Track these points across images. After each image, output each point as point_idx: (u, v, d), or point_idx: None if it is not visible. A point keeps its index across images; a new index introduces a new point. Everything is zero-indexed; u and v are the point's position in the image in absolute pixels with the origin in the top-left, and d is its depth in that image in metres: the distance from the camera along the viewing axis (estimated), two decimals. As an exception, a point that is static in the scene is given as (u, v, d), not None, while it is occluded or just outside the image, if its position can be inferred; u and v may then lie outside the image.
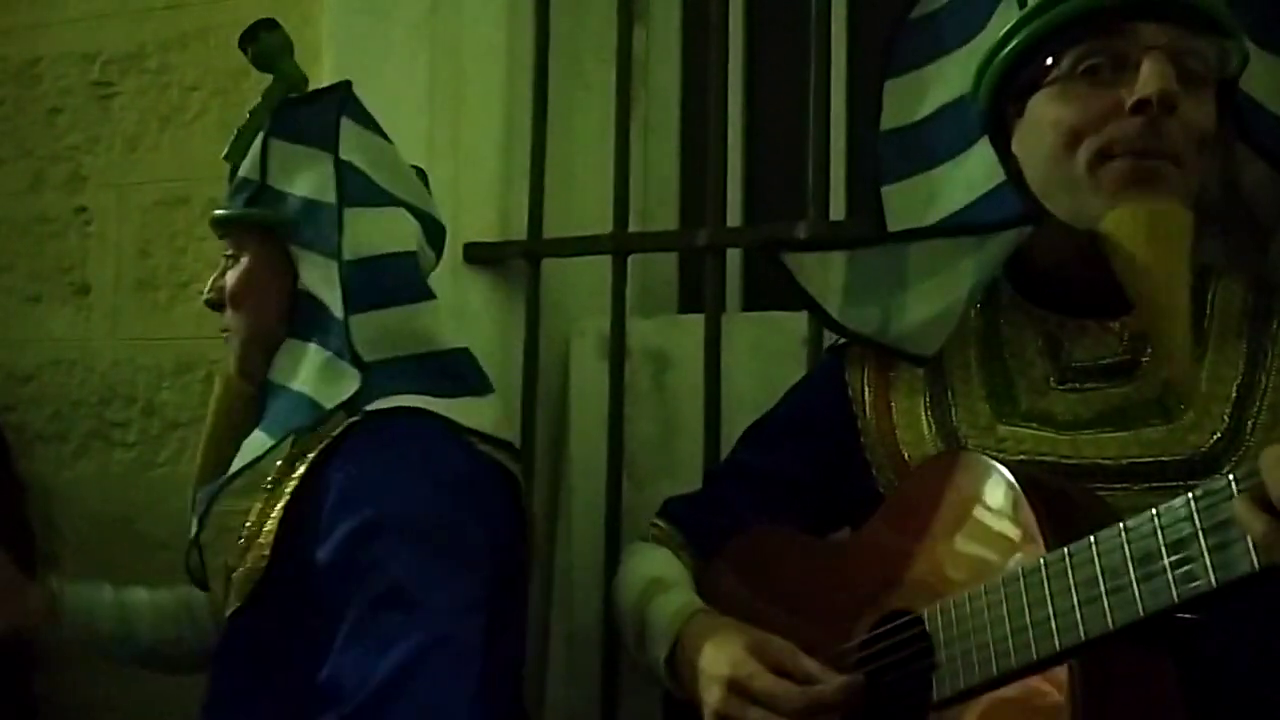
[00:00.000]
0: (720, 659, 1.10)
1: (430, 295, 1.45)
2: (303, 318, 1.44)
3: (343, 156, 1.44)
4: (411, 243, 1.46)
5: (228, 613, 1.40)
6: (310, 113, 1.48)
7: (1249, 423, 1.08)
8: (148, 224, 2.20)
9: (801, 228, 1.66)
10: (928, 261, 1.20)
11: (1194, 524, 0.83)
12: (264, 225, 1.47)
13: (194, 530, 1.46)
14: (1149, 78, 1.05)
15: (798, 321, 1.65)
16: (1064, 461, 1.10)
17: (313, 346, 1.42)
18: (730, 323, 1.75)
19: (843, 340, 1.32)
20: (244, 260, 1.49)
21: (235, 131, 1.54)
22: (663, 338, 1.85)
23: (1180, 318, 1.07)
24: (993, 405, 1.18)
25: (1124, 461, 1.09)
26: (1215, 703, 0.97)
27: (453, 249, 1.87)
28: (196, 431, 2.09)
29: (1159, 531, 0.85)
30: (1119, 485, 1.08)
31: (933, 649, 1.02)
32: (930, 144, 1.25)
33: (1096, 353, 1.16)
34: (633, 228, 1.84)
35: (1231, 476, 0.82)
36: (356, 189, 1.43)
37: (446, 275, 1.85)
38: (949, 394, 1.21)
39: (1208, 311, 1.15)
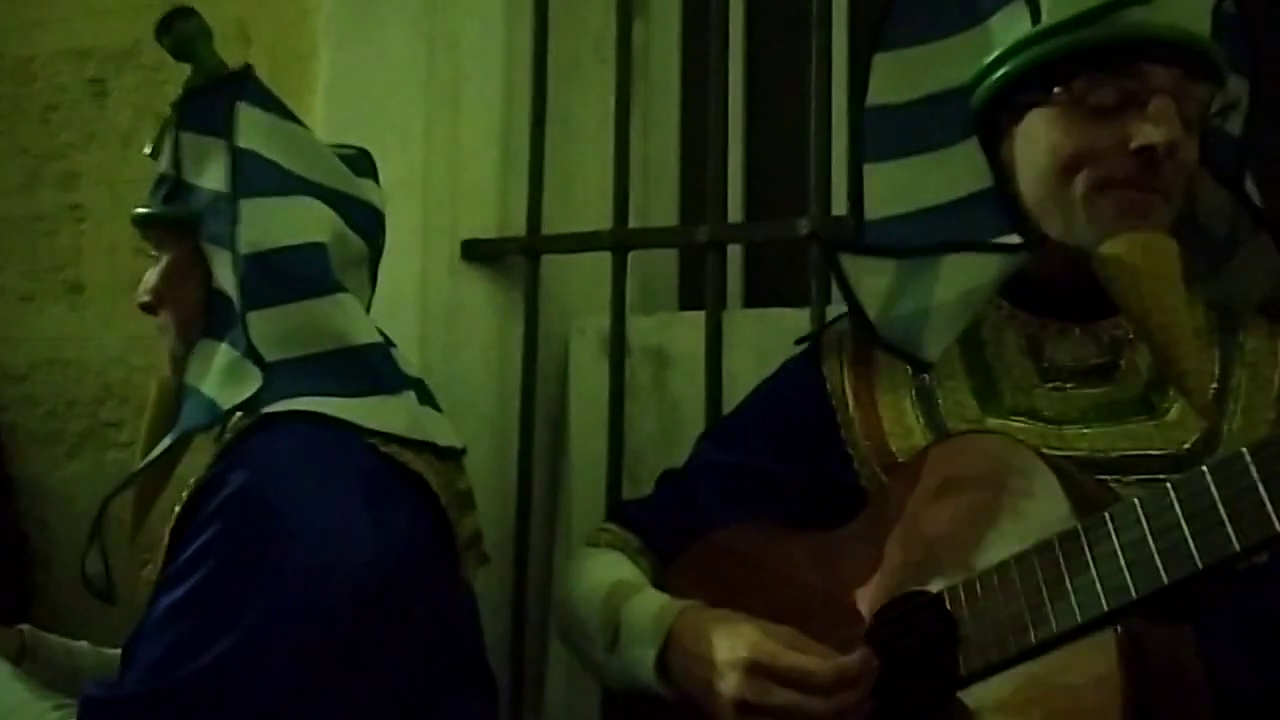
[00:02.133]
0: (737, 644, 1.08)
1: (341, 288, 1.38)
2: (216, 317, 1.38)
3: (241, 144, 1.37)
4: (319, 233, 1.38)
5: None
6: (211, 101, 1.41)
7: (1225, 423, 1.13)
8: (142, 222, 2.18)
9: (803, 224, 1.65)
10: (958, 269, 1.21)
11: (1253, 476, 0.86)
12: (178, 222, 1.42)
13: (90, 534, 1.41)
14: (1159, 124, 1.09)
15: (799, 318, 1.64)
16: (1057, 453, 1.11)
17: (223, 346, 1.37)
18: (731, 319, 1.74)
19: (812, 333, 1.35)
20: (163, 260, 1.44)
21: (159, 129, 1.49)
22: (663, 335, 1.84)
23: (1186, 338, 1.10)
24: (979, 400, 1.21)
25: (1113, 454, 1.13)
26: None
27: (451, 245, 1.86)
28: (192, 431, 2.08)
29: (1212, 487, 0.87)
30: (1110, 477, 1.10)
31: (955, 626, 1.02)
32: (916, 130, 1.25)
33: (1077, 355, 1.19)
34: (632, 224, 1.82)
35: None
36: (256, 178, 1.37)
37: (444, 272, 1.84)
38: (934, 389, 1.23)
39: None
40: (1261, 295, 1.23)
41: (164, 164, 1.45)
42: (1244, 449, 0.87)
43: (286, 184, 1.39)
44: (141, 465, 1.38)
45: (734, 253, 1.92)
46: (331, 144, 1.52)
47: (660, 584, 1.27)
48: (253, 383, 1.31)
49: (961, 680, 1.01)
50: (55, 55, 2.29)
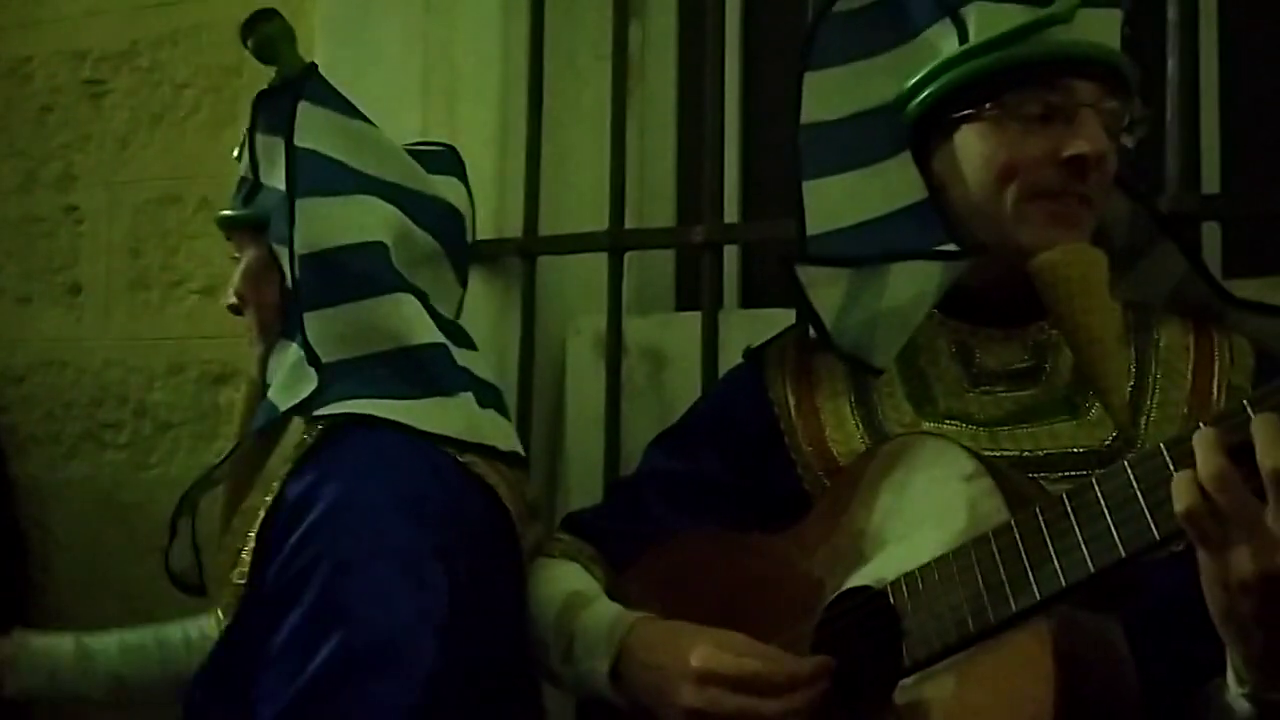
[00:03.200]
0: (689, 655, 1.11)
1: (401, 287, 1.36)
2: (291, 318, 1.40)
3: (301, 144, 1.36)
4: (379, 232, 1.37)
5: (220, 625, 1.36)
6: (280, 102, 1.41)
7: (1142, 419, 1.19)
8: (139, 223, 2.19)
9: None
10: (906, 278, 1.25)
11: (1169, 468, 0.90)
12: (253, 223, 1.44)
13: (171, 530, 1.43)
14: (1089, 136, 1.16)
15: (795, 319, 1.64)
16: (988, 453, 1.15)
17: (294, 346, 1.38)
18: (727, 320, 1.74)
19: (756, 346, 1.40)
20: (246, 264, 1.46)
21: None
22: (659, 335, 1.84)
23: (1113, 353, 1.17)
24: (914, 405, 1.26)
25: (1040, 453, 1.19)
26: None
27: (447, 247, 1.86)
28: (189, 432, 2.08)
29: (1133, 480, 0.92)
30: (1038, 475, 1.15)
31: (897, 619, 1.06)
32: (850, 145, 1.29)
33: (1005, 359, 1.25)
34: (629, 225, 1.83)
35: (1201, 424, 0.89)
36: (314, 177, 1.35)
37: (441, 273, 1.84)
38: (872, 395, 1.28)
39: None
40: (1163, 297, 1.28)
41: (243, 166, 1.47)
42: (1161, 444, 0.92)
43: (346, 183, 1.38)
44: (218, 463, 1.40)
45: (730, 253, 1.92)
46: (420, 141, 1.54)
47: (613, 592, 1.30)
48: (308, 384, 1.31)
49: (905, 670, 1.04)
50: (52, 56, 2.29)
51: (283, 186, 1.37)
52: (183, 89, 2.17)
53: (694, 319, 1.73)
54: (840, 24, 1.31)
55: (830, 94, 1.30)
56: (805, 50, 1.32)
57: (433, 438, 1.32)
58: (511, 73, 1.91)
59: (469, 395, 1.39)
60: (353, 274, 1.34)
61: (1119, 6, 1.23)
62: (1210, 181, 1.67)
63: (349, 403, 1.30)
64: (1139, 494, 0.92)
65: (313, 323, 1.33)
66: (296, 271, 1.34)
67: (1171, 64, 1.49)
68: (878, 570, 1.10)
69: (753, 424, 1.33)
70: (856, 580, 1.12)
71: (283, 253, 1.38)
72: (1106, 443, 1.18)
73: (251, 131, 1.45)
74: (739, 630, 1.14)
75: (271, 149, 1.42)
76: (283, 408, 1.33)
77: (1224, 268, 1.65)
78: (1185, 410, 1.19)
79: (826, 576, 1.15)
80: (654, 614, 1.22)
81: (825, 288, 1.27)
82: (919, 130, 1.25)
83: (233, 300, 1.49)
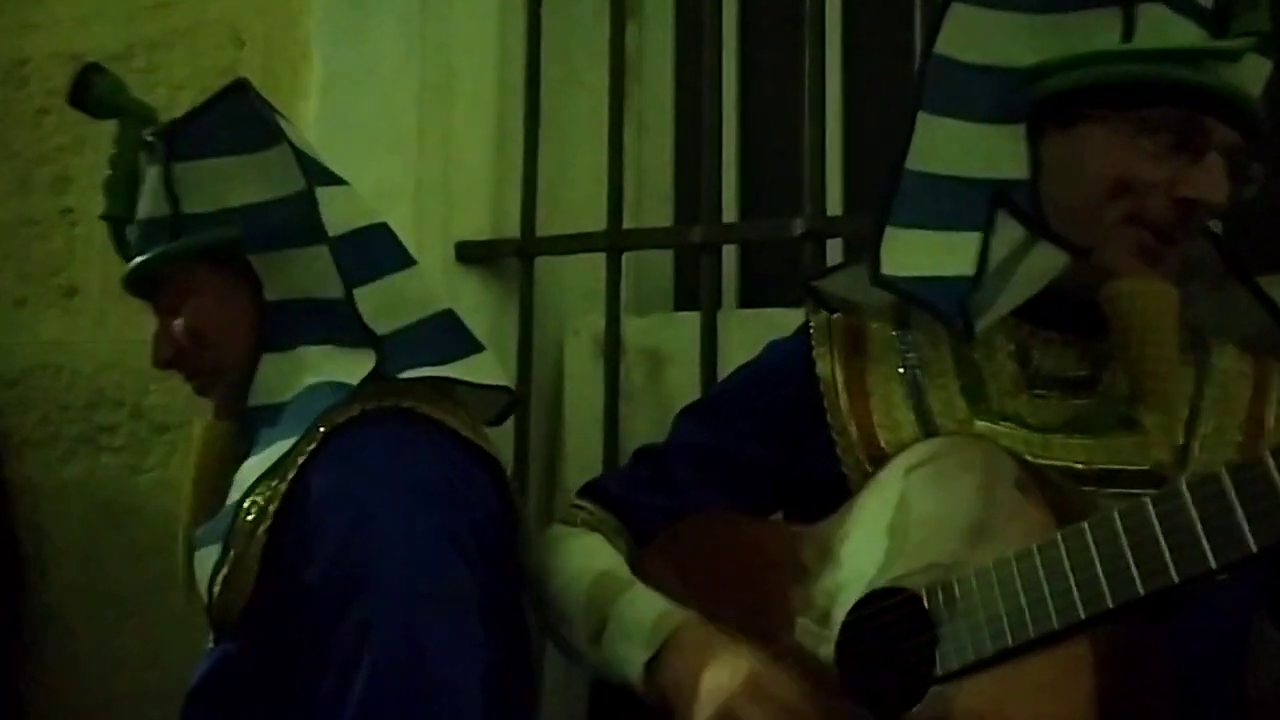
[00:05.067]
0: (719, 688, 1.08)
1: (414, 260, 1.43)
2: (279, 327, 1.38)
3: (297, 142, 1.39)
4: (377, 214, 1.43)
5: (209, 645, 1.34)
6: (221, 120, 1.40)
7: (1195, 443, 1.16)
8: (135, 225, 2.18)
9: (798, 224, 1.65)
10: (1006, 250, 1.18)
11: (1230, 496, 0.88)
12: (211, 251, 1.39)
13: (219, 569, 1.33)
14: (1212, 183, 1.13)
15: (794, 318, 1.63)
16: (1039, 460, 1.12)
17: (301, 350, 1.37)
18: (726, 320, 1.73)
19: (809, 324, 1.33)
20: (194, 299, 1.41)
21: (104, 187, 1.46)
22: (658, 336, 1.83)
23: (1172, 393, 1.14)
24: (968, 400, 1.22)
25: (1095, 467, 1.15)
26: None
27: (445, 248, 1.86)
28: (185, 435, 2.07)
29: (1190, 505, 0.89)
30: (1089, 489, 1.12)
31: (932, 625, 1.03)
32: (972, 94, 1.21)
33: (1062, 365, 1.21)
34: (627, 225, 1.82)
35: (1269, 451, 0.87)
36: (314, 170, 1.38)
37: (439, 274, 1.83)
38: (924, 385, 1.23)
39: None
40: (1236, 336, 1.25)
41: (148, 209, 1.42)
42: (1223, 468, 0.89)
43: (331, 175, 1.42)
44: (268, 466, 1.31)
45: (729, 253, 1.91)
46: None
47: (638, 569, 1.27)
48: (368, 358, 1.32)
49: (937, 678, 1.02)
50: (48, 59, 2.29)
51: (236, 202, 1.38)
52: (178, 91, 2.16)
53: (693, 319, 1.73)
54: None
55: (968, 33, 1.21)
56: None
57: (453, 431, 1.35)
58: (509, 73, 1.90)
59: (487, 351, 1.47)
60: (380, 250, 1.39)
61: (1270, 58, 1.18)
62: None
63: (421, 369, 1.34)
64: (1197, 519, 0.89)
65: (361, 298, 1.34)
66: (334, 254, 1.34)
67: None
68: (912, 572, 1.07)
69: (794, 400, 1.27)
70: (886, 580, 1.09)
71: (271, 260, 1.37)
72: (1162, 462, 1.14)
73: (165, 164, 1.40)
74: (758, 620, 1.13)
75: (207, 173, 1.39)
76: (354, 381, 1.31)
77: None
78: (1240, 438, 1.16)
79: (853, 573, 1.12)
80: (679, 595, 1.20)
81: (903, 251, 1.20)
82: (1041, 107, 1.18)
83: (167, 354, 1.43)
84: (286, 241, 1.37)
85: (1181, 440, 1.15)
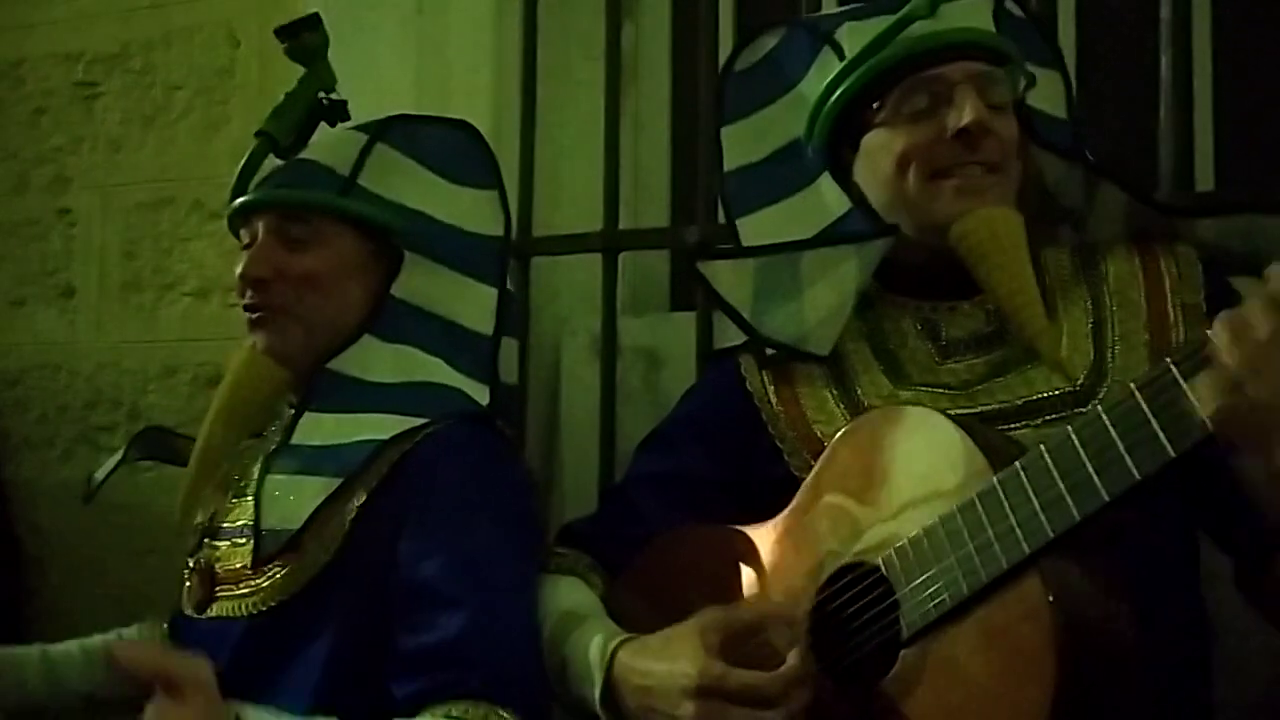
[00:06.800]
0: (681, 669, 1.12)
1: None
2: (391, 319, 1.43)
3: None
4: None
5: (254, 608, 1.35)
6: (438, 139, 1.51)
7: (1107, 353, 1.24)
8: (132, 225, 2.18)
9: (793, 223, 1.65)
10: (819, 267, 1.34)
11: (1143, 410, 0.94)
12: (380, 226, 1.44)
13: (254, 515, 1.36)
14: (965, 109, 1.24)
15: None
16: (966, 413, 1.19)
17: (410, 349, 1.43)
18: (722, 320, 1.72)
19: (732, 345, 1.45)
20: (328, 251, 1.42)
21: (275, 111, 1.47)
22: (654, 336, 1.84)
23: (1033, 301, 1.22)
24: (890, 379, 1.31)
25: (1018, 402, 1.23)
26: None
27: (441, 248, 1.86)
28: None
29: (1109, 425, 0.95)
30: (1019, 424, 1.21)
31: (892, 591, 1.08)
32: (775, 180, 1.39)
33: (969, 327, 1.30)
34: (623, 225, 1.82)
35: (1170, 361, 0.94)
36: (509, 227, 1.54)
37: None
38: (850, 376, 1.33)
39: (1046, 278, 1.30)
40: (1125, 235, 1.33)
41: (325, 156, 1.46)
42: (1132, 385, 0.95)
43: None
44: (368, 450, 1.36)
45: (725, 253, 1.91)
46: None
47: (611, 597, 1.33)
48: (483, 392, 1.44)
49: (904, 641, 1.06)
50: (44, 59, 2.29)
51: (411, 203, 1.46)
52: (175, 90, 2.17)
53: (689, 319, 1.73)
54: (743, 80, 1.42)
55: (746, 141, 1.41)
56: (716, 109, 1.44)
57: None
58: (504, 73, 1.91)
59: None
60: (510, 316, 1.51)
61: None
62: (1204, 179, 1.67)
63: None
64: (1116, 439, 0.95)
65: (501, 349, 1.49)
66: (499, 305, 1.47)
67: (1165, 61, 1.50)
68: (870, 544, 1.12)
69: (734, 416, 1.37)
70: (850, 557, 1.14)
71: (425, 264, 1.45)
72: (1080, 382, 1.22)
73: (372, 138, 1.47)
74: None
75: (397, 164, 1.47)
76: (483, 401, 1.43)
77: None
78: (1147, 337, 1.24)
79: (821, 556, 1.17)
80: (651, 615, 1.23)
81: (736, 286, 1.36)
82: (833, 152, 1.34)
83: (263, 272, 1.41)
84: (452, 263, 1.46)
85: (1093, 354, 1.23)
